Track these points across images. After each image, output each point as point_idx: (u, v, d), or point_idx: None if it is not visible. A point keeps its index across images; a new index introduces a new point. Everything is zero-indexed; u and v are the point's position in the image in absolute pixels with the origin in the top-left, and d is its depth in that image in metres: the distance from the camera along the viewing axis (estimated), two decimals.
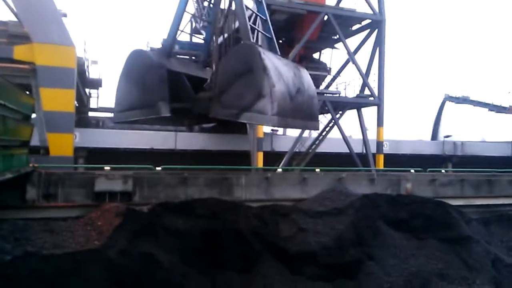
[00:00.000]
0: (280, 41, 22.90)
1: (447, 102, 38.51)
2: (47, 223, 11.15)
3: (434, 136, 37.43)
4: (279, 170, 17.31)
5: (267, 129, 24.30)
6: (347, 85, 24.03)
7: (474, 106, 37.93)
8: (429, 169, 18.10)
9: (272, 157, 23.01)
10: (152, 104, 8.75)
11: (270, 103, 7.41)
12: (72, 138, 16.58)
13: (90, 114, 27.88)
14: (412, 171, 16.92)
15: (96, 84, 26.42)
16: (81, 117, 24.90)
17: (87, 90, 26.51)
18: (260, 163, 19.95)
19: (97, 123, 27.39)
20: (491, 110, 37.48)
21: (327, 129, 23.95)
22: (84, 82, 23.96)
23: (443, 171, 19.64)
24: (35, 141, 14.42)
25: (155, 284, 10.26)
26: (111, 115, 28.85)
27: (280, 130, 28.06)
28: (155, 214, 11.40)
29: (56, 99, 15.84)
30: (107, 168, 13.13)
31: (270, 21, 10.27)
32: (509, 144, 31.89)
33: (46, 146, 15.25)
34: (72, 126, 16.74)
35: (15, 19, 17.02)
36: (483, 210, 16.33)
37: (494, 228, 15.40)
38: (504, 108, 36.67)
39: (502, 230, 15.40)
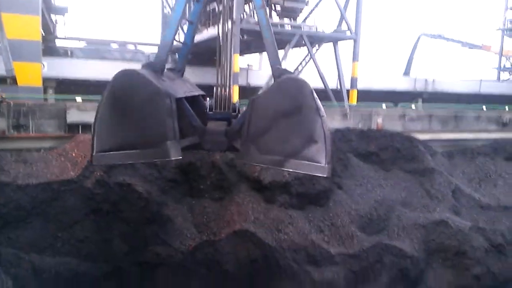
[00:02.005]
0: None
1: (422, 38, 38.55)
2: (20, 154, 11.07)
3: (407, 72, 37.77)
4: None
5: (242, 63, 23.86)
6: (324, 19, 23.46)
7: (447, 41, 38.22)
8: (400, 104, 18.55)
9: (248, 92, 22.92)
10: (156, 144, 6.84)
11: (324, 150, 6.42)
12: (40, 68, 15.92)
13: (58, 43, 26.56)
14: (384, 106, 17.30)
15: (61, 10, 24.92)
16: (48, 46, 23.70)
17: (53, 17, 25.03)
18: (235, 97, 19.85)
19: (66, 53, 26.18)
20: (464, 46, 37.91)
21: (303, 63, 23.78)
22: (49, 8, 22.56)
23: (412, 106, 20.14)
24: (1, 70, 13.85)
25: (133, 212, 10.59)
26: (79, 44, 27.61)
27: (256, 65, 27.62)
28: None
29: (20, 26, 14.93)
30: (79, 99, 12.86)
31: None
32: (478, 81, 32.68)
33: (13, 76, 14.63)
34: (39, 55, 15.99)
35: None
36: (448, 144, 17.09)
37: (458, 161, 16.26)
38: (477, 45, 37.10)
39: (464, 162, 16.28)
